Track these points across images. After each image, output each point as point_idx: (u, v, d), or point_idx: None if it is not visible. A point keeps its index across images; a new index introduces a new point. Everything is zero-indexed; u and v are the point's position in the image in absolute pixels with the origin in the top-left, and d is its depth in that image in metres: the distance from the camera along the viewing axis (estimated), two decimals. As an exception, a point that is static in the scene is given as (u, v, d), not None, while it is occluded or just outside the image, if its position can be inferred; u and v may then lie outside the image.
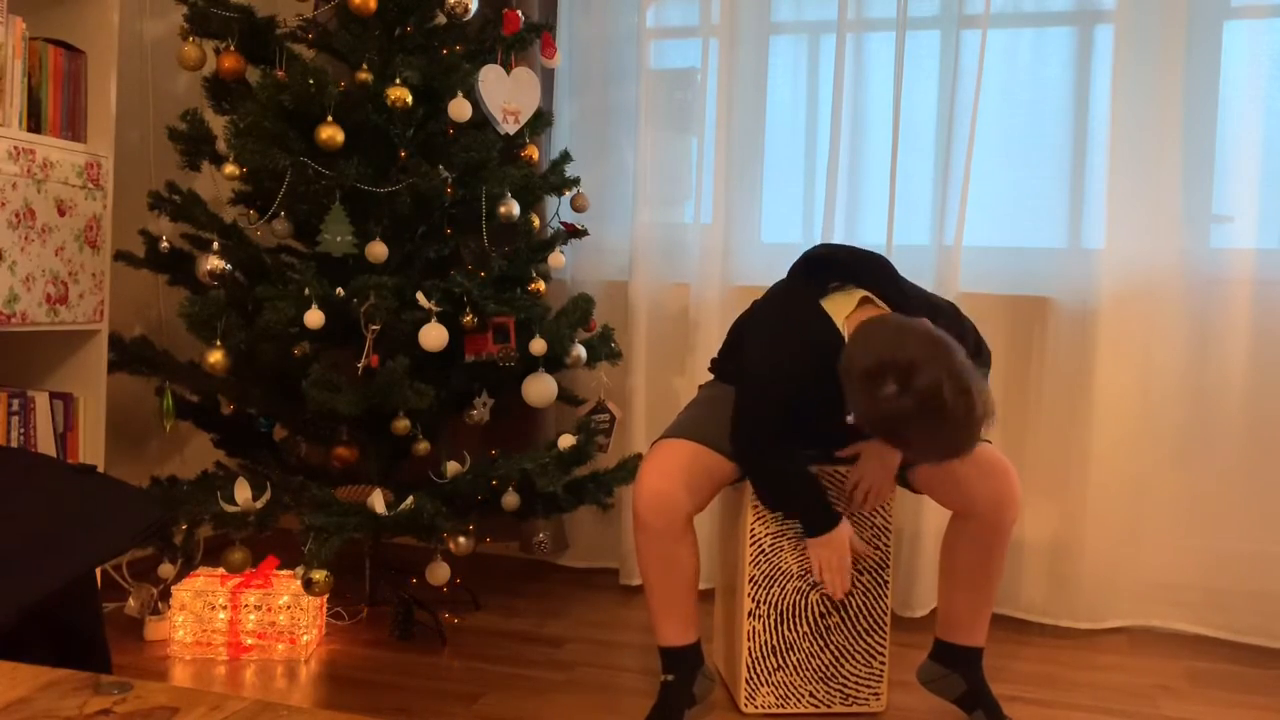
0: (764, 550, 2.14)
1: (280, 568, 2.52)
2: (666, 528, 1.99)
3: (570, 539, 3.25)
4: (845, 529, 2.03)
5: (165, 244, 2.62)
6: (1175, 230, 2.72)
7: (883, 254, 2.13)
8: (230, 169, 2.48)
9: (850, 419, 1.90)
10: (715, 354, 2.36)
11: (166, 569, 2.52)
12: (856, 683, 2.19)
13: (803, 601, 2.16)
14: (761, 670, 2.16)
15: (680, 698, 2.06)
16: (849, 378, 1.78)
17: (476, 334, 2.50)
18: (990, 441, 2.11)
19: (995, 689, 2.31)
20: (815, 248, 2.06)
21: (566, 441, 2.62)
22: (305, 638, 2.41)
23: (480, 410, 2.65)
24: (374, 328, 2.37)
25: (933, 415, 1.71)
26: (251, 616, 2.41)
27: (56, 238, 2.43)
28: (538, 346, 2.53)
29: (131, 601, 2.55)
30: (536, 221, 2.86)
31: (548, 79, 3.11)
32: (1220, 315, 2.72)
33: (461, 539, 2.43)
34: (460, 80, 2.53)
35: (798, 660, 2.17)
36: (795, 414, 1.97)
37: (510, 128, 2.65)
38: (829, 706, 2.19)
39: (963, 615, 2.12)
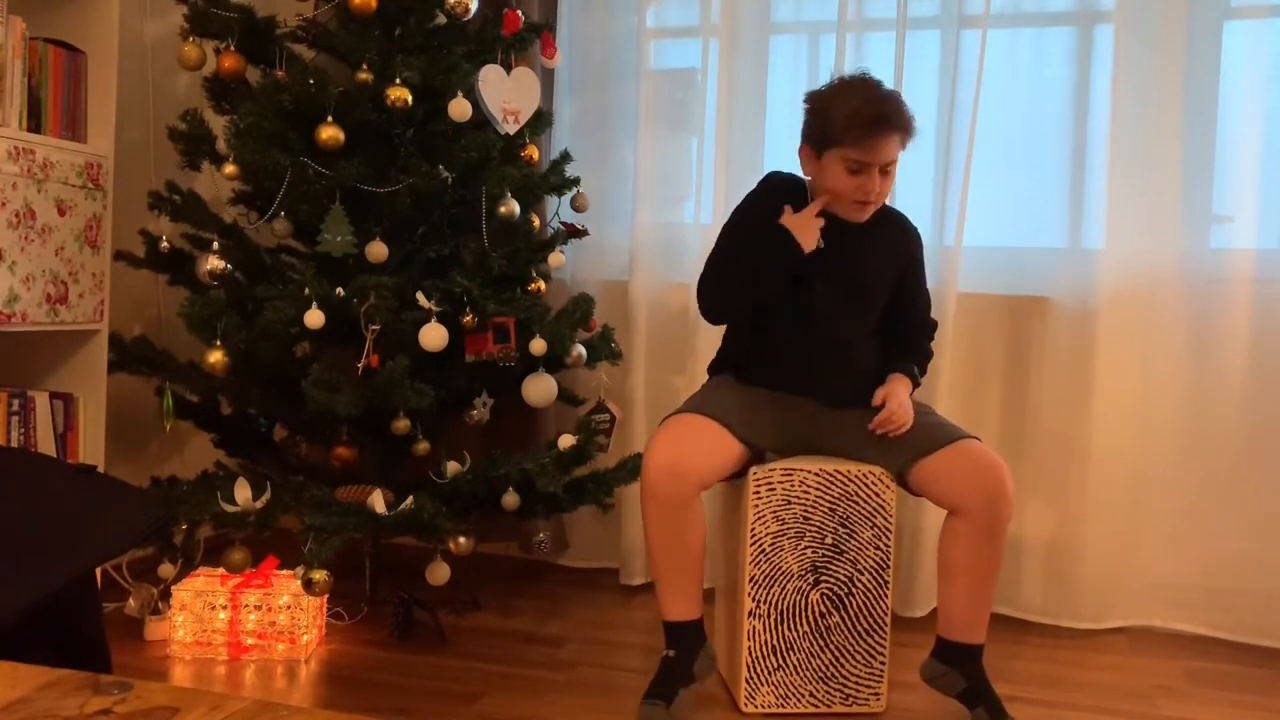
0: (764, 550, 2.14)
1: (280, 568, 2.51)
2: (676, 496, 2.00)
3: (570, 539, 3.24)
4: (801, 214, 2.13)
5: (165, 244, 2.61)
6: (1175, 230, 2.72)
7: None
8: (230, 169, 2.47)
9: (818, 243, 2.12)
10: (715, 354, 2.36)
11: (166, 569, 2.52)
12: (857, 683, 2.19)
13: (803, 601, 2.16)
14: (761, 670, 2.16)
15: (680, 674, 2.06)
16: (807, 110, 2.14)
17: (476, 334, 2.50)
18: (979, 439, 2.12)
19: (996, 688, 2.31)
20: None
21: (566, 441, 2.62)
22: (305, 638, 2.41)
23: (480, 410, 2.65)
24: (374, 328, 2.37)
25: (856, 79, 2.11)
26: (251, 616, 2.41)
27: (56, 238, 2.43)
28: (538, 346, 2.53)
29: (131, 601, 2.55)
30: (536, 221, 2.86)
31: (548, 79, 3.11)
32: (1220, 315, 2.72)
33: (461, 539, 2.43)
34: (460, 80, 2.53)
35: (798, 660, 2.17)
36: (759, 250, 2.12)
37: (510, 128, 2.65)
38: (829, 706, 2.19)
39: (962, 613, 2.12)
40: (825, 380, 2.19)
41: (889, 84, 2.85)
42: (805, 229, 2.11)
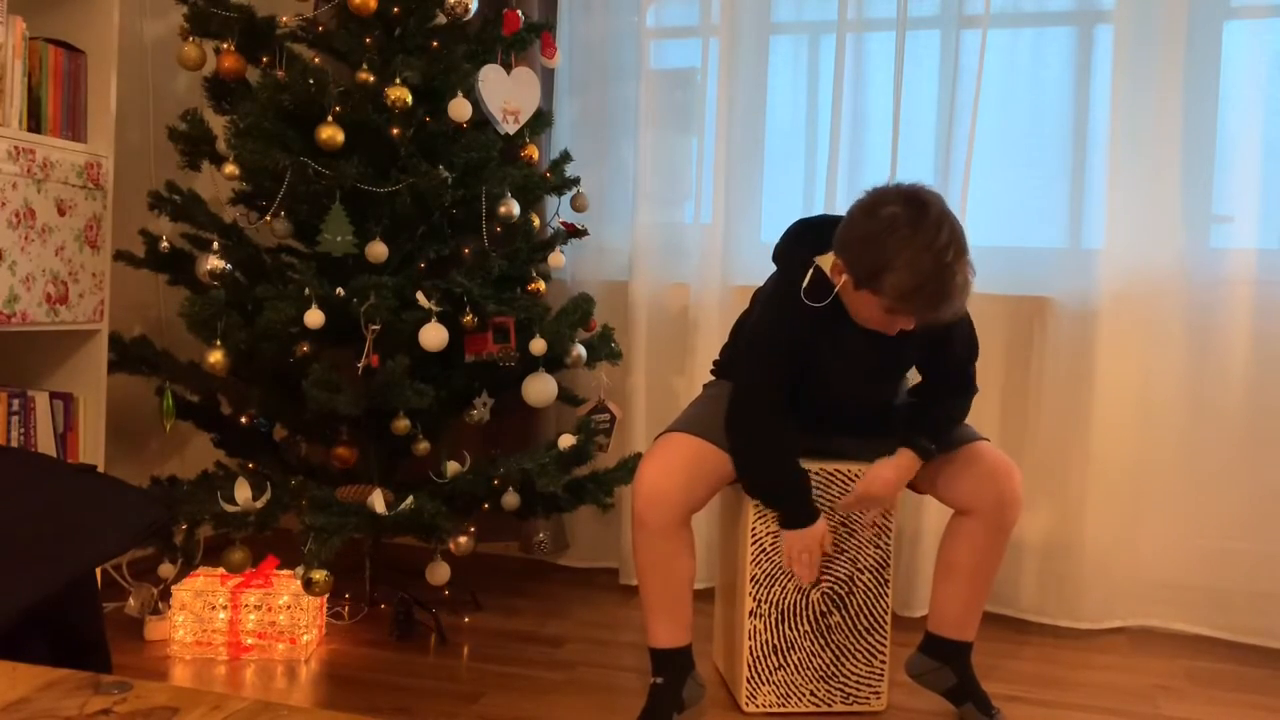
0: (765, 549, 2.14)
1: (280, 568, 2.51)
2: (664, 526, 1.99)
3: (570, 539, 3.24)
4: (820, 526, 2.05)
5: (165, 244, 2.61)
6: (1175, 230, 2.72)
7: None
8: (230, 169, 2.47)
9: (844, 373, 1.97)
10: (716, 354, 2.36)
11: (166, 569, 2.52)
12: (857, 682, 2.19)
13: (803, 600, 2.16)
14: (762, 669, 2.16)
15: (669, 701, 2.05)
16: (847, 229, 1.86)
17: (476, 334, 2.50)
18: (989, 440, 2.12)
19: (995, 689, 2.31)
20: (791, 225, 2.09)
21: (566, 441, 2.62)
22: (305, 638, 2.41)
23: (480, 410, 2.65)
24: (374, 328, 2.37)
25: (923, 235, 1.76)
26: (251, 616, 2.40)
27: (56, 238, 2.43)
28: (538, 346, 2.53)
29: (131, 601, 2.55)
30: (536, 221, 2.86)
31: (548, 79, 3.11)
32: (1220, 315, 2.72)
33: (461, 539, 2.43)
34: (460, 80, 2.53)
35: (799, 659, 2.17)
36: (792, 373, 1.99)
37: (510, 128, 2.65)
38: (830, 706, 2.19)
39: (957, 610, 2.13)
40: (837, 426, 2.15)
41: (889, 85, 2.88)
42: (806, 565, 2.03)
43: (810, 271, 1.98)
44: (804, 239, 2.03)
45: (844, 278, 1.90)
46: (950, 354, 2.07)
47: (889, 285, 1.80)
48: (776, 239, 2.10)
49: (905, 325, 1.89)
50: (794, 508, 2.04)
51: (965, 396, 2.11)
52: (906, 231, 1.78)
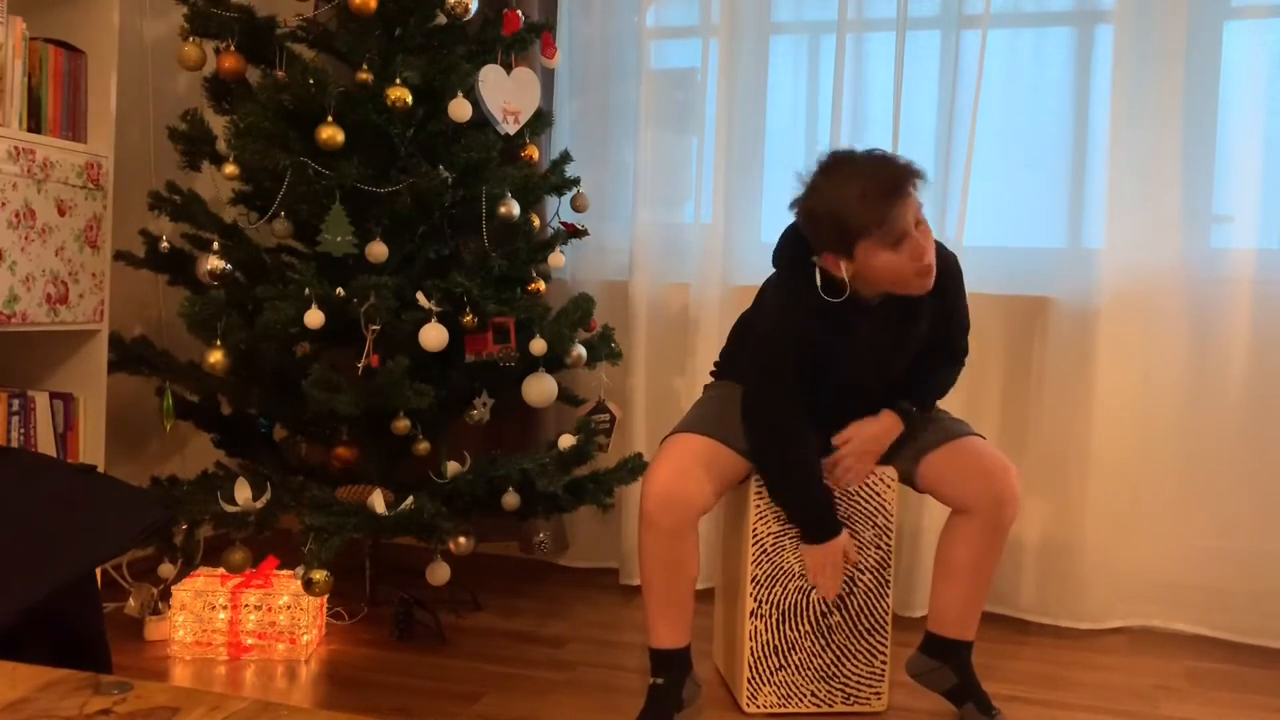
0: (766, 550, 2.14)
1: (280, 568, 2.51)
2: (674, 526, 1.99)
3: (570, 539, 3.24)
4: (843, 538, 2.07)
5: (165, 244, 2.61)
6: (1175, 230, 2.72)
7: None
8: (230, 169, 2.47)
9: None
10: (716, 354, 2.36)
11: (166, 569, 2.52)
12: (858, 682, 2.19)
13: (804, 601, 2.16)
14: (763, 670, 2.16)
15: (668, 701, 2.05)
16: (807, 227, 1.95)
17: (476, 334, 2.50)
18: (984, 437, 2.13)
19: (995, 689, 2.32)
20: (787, 229, 2.09)
21: (566, 441, 2.62)
22: (305, 638, 2.41)
23: (480, 410, 2.65)
24: (374, 328, 2.37)
25: (845, 165, 1.90)
26: (251, 616, 2.40)
27: (56, 238, 2.43)
28: (538, 346, 2.53)
29: (131, 601, 2.55)
30: (536, 221, 2.86)
31: (548, 79, 3.10)
32: (1220, 315, 2.72)
33: (461, 539, 2.43)
34: (460, 80, 2.53)
35: (799, 660, 2.17)
36: (806, 368, 2.01)
37: (510, 128, 2.64)
38: (830, 706, 2.19)
39: (957, 609, 2.13)
40: (846, 418, 2.15)
41: (889, 85, 2.88)
42: (830, 576, 2.06)
43: (817, 274, 2.00)
44: (801, 242, 2.04)
45: (843, 264, 1.93)
46: (954, 326, 2.15)
47: (855, 217, 1.86)
48: (776, 240, 2.10)
49: (919, 248, 1.89)
50: (818, 519, 2.07)
51: (958, 365, 2.22)
52: (825, 177, 1.91)
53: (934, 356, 2.17)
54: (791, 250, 2.06)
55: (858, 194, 1.85)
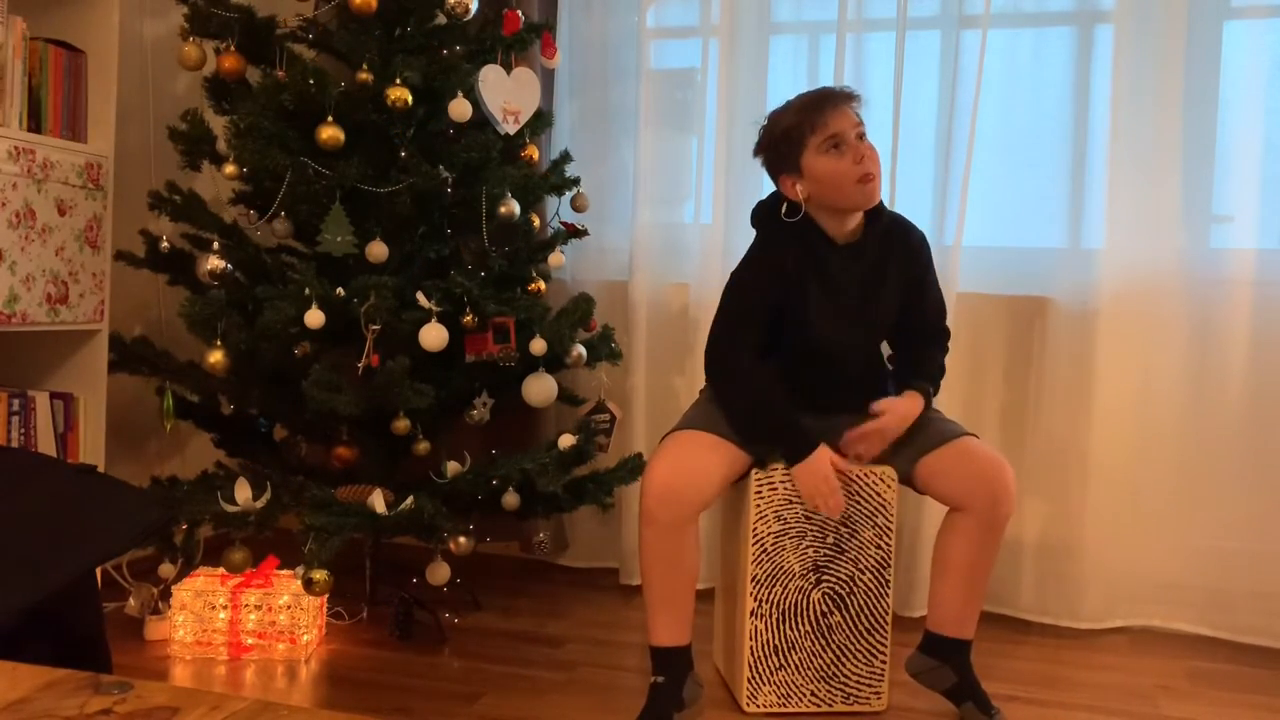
0: (766, 549, 2.14)
1: (280, 568, 2.51)
2: (674, 521, 1.99)
3: (570, 539, 3.24)
4: (825, 453, 2.07)
5: (165, 244, 2.61)
6: (1175, 230, 2.72)
7: None
8: (230, 169, 2.47)
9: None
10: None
11: (167, 569, 2.52)
12: (858, 682, 2.19)
13: (804, 601, 2.16)
14: (763, 669, 2.16)
15: (669, 700, 2.05)
16: (763, 152, 2.14)
17: (476, 334, 2.50)
18: (979, 436, 2.14)
19: (995, 689, 2.31)
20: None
21: (566, 441, 2.62)
22: (305, 638, 2.41)
23: (480, 410, 2.65)
24: (374, 328, 2.37)
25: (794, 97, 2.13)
26: (252, 616, 2.40)
27: (57, 238, 2.43)
28: (538, 346, 2.53)
29: (132, 601, 2.55)
30: (536, 221, 2.86)
31: (548, 79, 3.10)
32: (1220, 315, 2.72)
33: (461, 539, 2.43)
34: (460, 80, 2.53)
35: (799, 659, 2.17)
36: (770, 314, 2.10)
37: (510, 128, 2.64)
38: (830, 706, 2.19)
39: (955, 608, 2.14)
40: (830, 394, 2.19)
41: (889, 85, 2.89)
42: (827, 494, 2.06)
43: (783, 203, 2.13)
44: (773, 204, 2.18)
45: (797, 184, 2.08)
46: (928, 303, 2.24)
47: (791, 124, 2.06)
48: None
49: (858, 153, 2.04)
50: (790, 437, 2.08)
51: (942, 348, 2.27)
52: (781, 105, 2.14)
53: (918, 337, 2.25)
54: (763, 212, 2.19)
55: (796, 106, 2.09)
